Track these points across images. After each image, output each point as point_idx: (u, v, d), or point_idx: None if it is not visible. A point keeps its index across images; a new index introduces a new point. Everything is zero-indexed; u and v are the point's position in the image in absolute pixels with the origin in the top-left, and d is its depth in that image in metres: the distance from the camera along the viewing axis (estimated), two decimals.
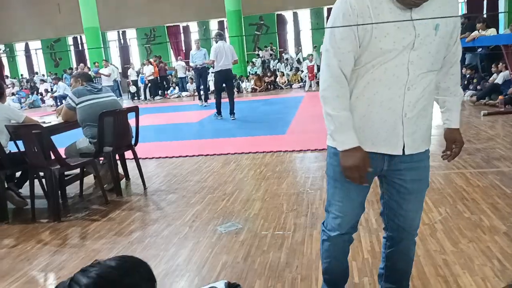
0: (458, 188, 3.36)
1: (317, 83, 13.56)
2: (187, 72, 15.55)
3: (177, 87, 15.73)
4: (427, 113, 1.59)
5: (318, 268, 2.33)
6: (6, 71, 21.10)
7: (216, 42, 8.05)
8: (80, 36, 19.13)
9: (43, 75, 19.31)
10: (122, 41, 20.17)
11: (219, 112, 8.39)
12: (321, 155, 4.78)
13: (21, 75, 20.48)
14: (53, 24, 18.84)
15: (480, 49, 8.44)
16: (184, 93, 15.30)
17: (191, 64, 10.88)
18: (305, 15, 18.36)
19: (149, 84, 15.19)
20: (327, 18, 17.93)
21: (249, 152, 5.20)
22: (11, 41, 20.50)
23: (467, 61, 8.92)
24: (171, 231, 3.03)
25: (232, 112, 8.20)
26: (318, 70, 14.16)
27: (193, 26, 19.41)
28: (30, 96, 16.68)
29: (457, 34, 1.55)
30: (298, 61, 15.74)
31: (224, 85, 8.18)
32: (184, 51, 19.44)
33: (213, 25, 19.18)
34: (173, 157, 5.34)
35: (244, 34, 14.74)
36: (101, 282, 0.90)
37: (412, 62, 1.45)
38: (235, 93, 14.10)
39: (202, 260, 2.54)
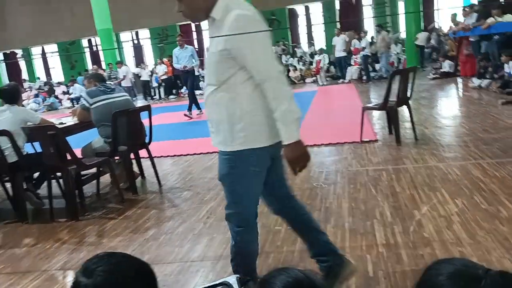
0: (475, 179, 3.30)
1: (327, 77, 13.47)
2: (200, 70, 15.66)
3: None
4: (214, 120, 1.84)
5: None
6: (24, 75, 21.51)
7: None
8: (94, 38, 19.37)
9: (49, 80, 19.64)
10: (135, 41, 20.35)
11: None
12: (335, 149, 4.75)
13: (38, 78, 20.84)
14: (67, 27, 19.08)
15: (496, 36, 8.25)
16: (198, 91, 15.34)
17: (175, 65, 9.26)
18: (317, 8, 18.22)
19: (163, 84, 15.30)
20: (339, 11, 17.76)
21: None
22: (28, 45, 20.88)
23: (483, 49, 8.72)
24: (186, 227, 3.06)
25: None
26: (330, 64, 14.06)
27: (205, 24, 19.43)
28: (47, 99, 16.98)
29: (239, 53, 1.68)
30: (311, 56, 15.64)
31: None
32: (197, 50, 19.48)
33: None
34: (187, 154, 5.38)
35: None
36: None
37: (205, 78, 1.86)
38: None
39: (217, 256, 2.56)
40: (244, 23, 1.67)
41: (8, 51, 21.03)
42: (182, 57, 8.69)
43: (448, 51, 11.62)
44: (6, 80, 17.79)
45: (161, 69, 15.19)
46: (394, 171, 3.73)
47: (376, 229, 2.65)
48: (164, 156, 5.41)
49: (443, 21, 17.06)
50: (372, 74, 12.14)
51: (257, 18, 1.74)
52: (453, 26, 10.19)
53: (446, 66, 10.55)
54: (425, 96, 7.98)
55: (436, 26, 16.73)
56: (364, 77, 11.88)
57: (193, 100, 8.92)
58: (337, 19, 17.57)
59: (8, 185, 4.03)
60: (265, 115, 1.77)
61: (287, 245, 2.58)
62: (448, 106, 7.07)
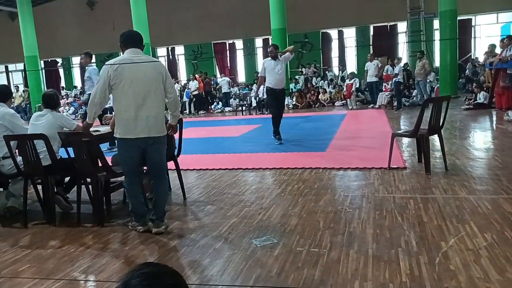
0: (506, 214, 3.19)
1: (357, 102, 13.40)
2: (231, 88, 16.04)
3: (220, 102, 16.05)
4: None
5: (354, 287, 2.28)
6: (62, 83, 22.37)
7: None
8: None
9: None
10: (170, 56, 20.90)
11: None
12: (362, 174, 4.69)
13: (75, 87, 21.62)
14: (107, 40, 19.78)
15: None
16: (227, 108, 15.56)
17: (268, 84, 7.15)
18: (350, 33, 18.28)
19: (194, 99, 15.59)
20: (373, 37, 17.75)
21: (288, 168, 5.19)
22: (68, 55, 21.76)
23: None
24: (207, 241, 3.08)
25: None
26: (357, 91, 13.98)
27: (239, 44, 19.81)
28: (83, 107, 17.56)
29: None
30: (342, 79, 15.62)
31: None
32: (229, 68, 19.84)
33: (258, 42, 19.49)
34: (213, 169, 5.43)
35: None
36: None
37: None
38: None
39: (236, 272, 2.55)
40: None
41: (49, 59, 21.97)
42: (272, 70, 7.03)
43: (483, 82, 11.38)
44: (45, 87, 18.55)
45: (193, 85, 15.50)
46: (422, 200, 3.65)
47: (401, 258, 2.59)
48: (190, 169, 5.48)
49: (479, 51, 16.78)
50: (403, 101, 12.00)
51: (107, 66, 3.19)
52: (490, 57, 9.98)
53: (481, 97, 10.31)
54: (458, 126, 7.81)
55: (472, 57, 16.46)
56: (395, 104, 11.75)
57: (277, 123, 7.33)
58: (371, 43, 17.54)
59: (39, 187, 4.18)
60: (120, 119, 3.24)
61: (308, 267, 2.55)
62: (481, 138, 6.89)
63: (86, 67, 6.92)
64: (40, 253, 3.11)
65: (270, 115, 7.63)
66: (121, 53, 3.39)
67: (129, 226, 3.48)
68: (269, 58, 7.18)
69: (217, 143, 7.93)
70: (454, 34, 12.75)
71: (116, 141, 3.38)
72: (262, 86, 8.15)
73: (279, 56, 7.11)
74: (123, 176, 3.52)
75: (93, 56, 7.23)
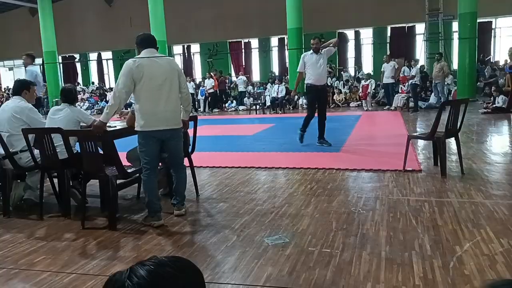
0: None
1: (372, 103, 13.28)
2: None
3: (234, 101, 16.08)
4: None
5: None
6: (79, 79, 22.68)
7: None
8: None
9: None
10: (186, 54, 21.01)
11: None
12: (376, 176, 4.65)
13: (93, 83, 21.90)
14: (124, 36, 19.98)
15: None
16: (241, 107, 15.59)
17: (307, 80, 6.66)
18: (367, 34, 18.13)
19: (209, 97, 15.65)
20: (390, 38, 17.53)
21: (301, 168, 5.17)
22: (85, 51, 22.05)
23: None
24: (219, 238, 3.08)
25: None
26: (377, 86, 13.87)
27: (254, 43, 19.81)
28: (99, 102, 17.78)
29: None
30: (357, 80, 15.52)
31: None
32: (244, 66, 19.86)
33: (274, 41, 19.47)
34: (226, 167, 5.44)
35: (304, 51, 14.76)
36: (155, 277, 0.89)
37: None
38: (290, 109, 14.23)
39: (248, 270, 2.55)
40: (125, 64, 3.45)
41: (67, 55, 22.28)
42: (313, 64, 6.52)
43: (502, 86, 11.17)
44: (62, 82, 18.82)
45: (209, 83, 15.56)
46: (437, 204, 3.60)
47: (414, 261, 2.56)
48: (204, 167, 5.50)
49: (499, 55, 16.49)
50: (420, 104, 11.87)
51: (130, 63, 3.39)
52: (510, 60, 9.80)
53: (500, 101, 10.13)
54: (475, 130, 7.68)
55: (492, 60, 16.18)
56: (412, 105, 11.61)
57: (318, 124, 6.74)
58: (388, 46, 17.37)
59: (55, 180, 4.24)
60: (140, 113, 3.40)
61: (319, 268, 2.54)
62: (499, 142, 6.76)
63: (26, 68, 7.07)
64: (55, 245, 3.15)
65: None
66: (137, 52, 3.61)
67: (142, 221, 3.52)
68: (310, 52, 6.65)
69: (230, 141, 7.95)
70: (474, 39, 12.54)
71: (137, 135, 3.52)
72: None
73: (320, 50, 6.60)
74: (136, 175, 3.59)
75: (35, 58, 7.59)
